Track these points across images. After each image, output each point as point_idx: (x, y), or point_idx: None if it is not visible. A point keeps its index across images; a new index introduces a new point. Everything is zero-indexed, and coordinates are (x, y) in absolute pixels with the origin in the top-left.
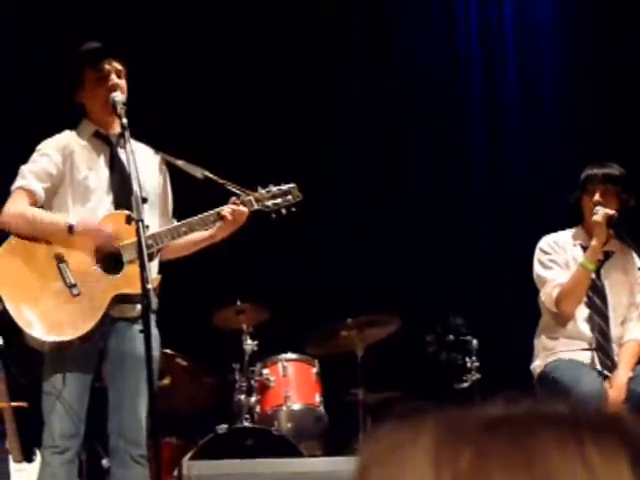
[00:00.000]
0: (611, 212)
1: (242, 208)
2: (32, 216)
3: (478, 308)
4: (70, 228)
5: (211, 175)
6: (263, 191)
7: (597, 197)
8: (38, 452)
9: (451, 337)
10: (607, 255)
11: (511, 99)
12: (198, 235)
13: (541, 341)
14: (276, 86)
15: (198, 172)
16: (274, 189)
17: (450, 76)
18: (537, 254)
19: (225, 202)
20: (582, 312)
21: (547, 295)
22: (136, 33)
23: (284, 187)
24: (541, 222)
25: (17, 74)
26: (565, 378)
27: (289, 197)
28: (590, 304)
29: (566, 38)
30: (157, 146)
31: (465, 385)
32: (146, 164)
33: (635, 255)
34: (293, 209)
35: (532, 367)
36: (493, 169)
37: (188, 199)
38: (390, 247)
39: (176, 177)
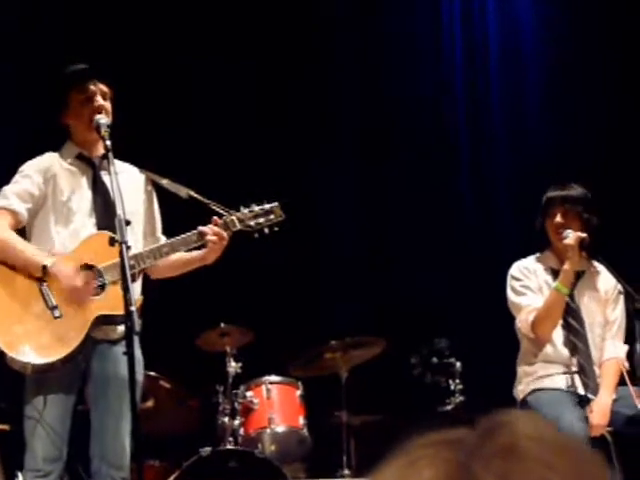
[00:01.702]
0: (583, 235)
1: (222, 231)
2: (11, 247)
3: (462, 331)
4: (44, 268)
5: (195, 194)
6: (245, 210)
7: (558, 219)
8: (20, 475)
9: (435, 360)
10: (578, 275)
11: (496, 118)
12: (188, 256)
13: (522, 368)
14: (266, 100)
15: (182, 191)
16: (256, 208)
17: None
18: (509, 281)
19: (210, 220)
20: (560, 335)
21: (523, 321)
22: (120, 47)
23: (266, 206)
24: (527, 245)
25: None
26: (545, 412)
27: (271, 216)
28: (567, 326)
29: (552, 52)
30: (142, 165)
31: (449, 408)
32: (130, 184)
33: (604, 273)
34: (276, 228)
35: (515, 392)
36: (480, 185)
37: (173, 217)
38: (374, 269)
39: (161, 196)
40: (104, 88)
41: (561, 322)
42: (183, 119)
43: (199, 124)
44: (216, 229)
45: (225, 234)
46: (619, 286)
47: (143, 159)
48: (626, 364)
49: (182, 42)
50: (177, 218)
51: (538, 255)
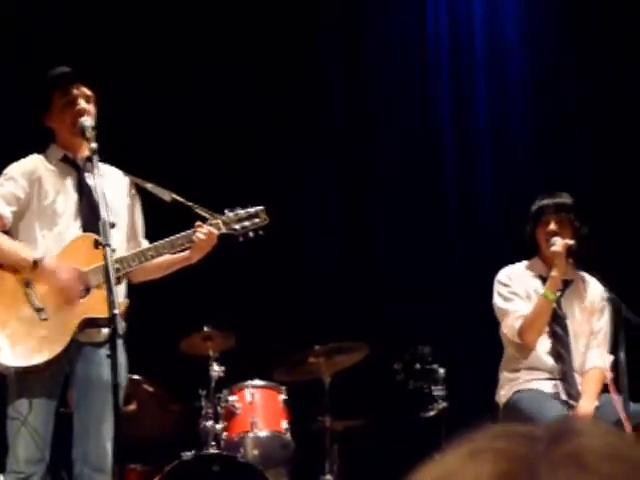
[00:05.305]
0: (570, 242)
1: (212, 230)
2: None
3: (445, 337)
4: (35, 263)
5: (179, 198)
6: (230, 214)
7: (552, 226)
8: (2, 477)
9: (418, 366)
10: (566, 284)
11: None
12: (173, 257)
13: (505, 374)
14: (265, 100)
15: (166, 195)
16: (241, 212)
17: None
18: (496, 287)
19: (193, 222)
20: (545, 343)
21: (510, 327)
22: (120, 47)
23: (251, 210)
24: (511, 252)
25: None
26: (529, 409)
27: (256, 220)
28: (552, 334)
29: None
30: (126, 168)
31: (432, 414)
32: (115, 187)
33: (593, 282)
34: (261, 232)
35: (497, 397)
36: (464, 205)
37: (156, 221)
38: (358, 274)
39: (145, 198)
40: (87, 91)
41: (547, 330)
42: (183, 119)
43: (198, 124)
44: (207, 228)
45: (216, 232)
46: (606, 296)
47: (140, 159)
48: (609, 375)
49: (182, 42)
50: (160, 222)
51: (526, 262)
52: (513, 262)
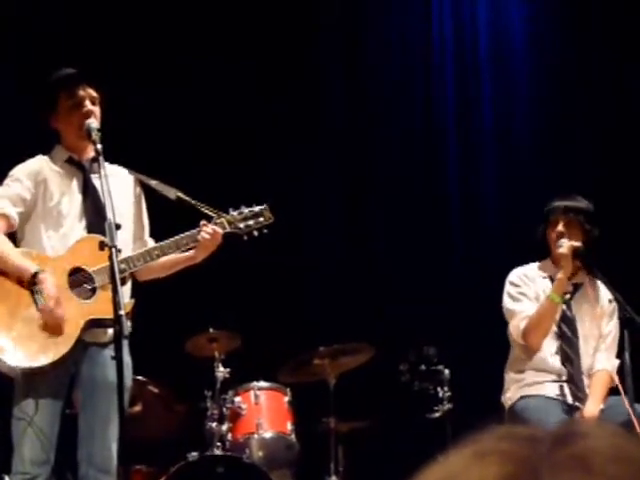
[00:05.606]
0: (577, 244)
1: (217, 229)
2: (3, 254)
3: (451, 338)
4: (34, 276)
5: (184, 196)
6: (235, 213)
7: (560, 228)
8: (7, 478)
9: (423, 367)
10: (576, 287)
11: (487, 128)
12: (177, 257)
13: (511, 375)
14: (265, 100)
15: (171, 193)
16: (246, 211)
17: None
18: (507, 287)
19: (197, 221)
20: (552, 344)
21: (515, 327)
22: (120, 47)
23: (256, 208)
24: (514, 253)
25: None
26: (535, 419)
27: (261, 219)
28: (560, 335)
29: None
30: (131, 165)
31: (437, 415)
32: (120, 187)
33: (603, 286)
34: (265, 231)
35: (503, 399)
36: (467, 205)
37: (161, 219)
38: (359, 274)
39: (150, 197)
40: (93, 93)
41: (556, 330)
42: (183, 119)
43: (198, 124)
44: (212, 227)
45: (221, 231)
46: (612, 298)
47: (140, 159)
48: (616, 378)
49: (182, 42)
50: (165, 220)
51: (538, 263)
52: (516, 263)
